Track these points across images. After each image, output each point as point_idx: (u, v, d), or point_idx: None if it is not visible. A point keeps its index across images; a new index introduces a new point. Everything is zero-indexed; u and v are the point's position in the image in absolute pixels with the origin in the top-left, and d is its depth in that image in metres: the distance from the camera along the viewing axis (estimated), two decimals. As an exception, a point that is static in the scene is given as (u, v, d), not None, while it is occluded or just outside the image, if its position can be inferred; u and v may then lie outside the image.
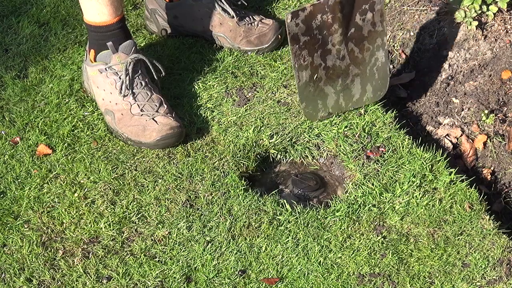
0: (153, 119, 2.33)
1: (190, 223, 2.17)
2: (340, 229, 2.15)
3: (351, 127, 2.41)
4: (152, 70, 2.41)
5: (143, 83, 2.39)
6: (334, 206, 2.20)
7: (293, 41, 2.26)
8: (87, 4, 2.36)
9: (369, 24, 2.35)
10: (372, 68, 2.41)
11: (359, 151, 2.35)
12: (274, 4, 2.93)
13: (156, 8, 2.77)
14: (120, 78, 2.37)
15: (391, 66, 2.78)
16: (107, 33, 2.38)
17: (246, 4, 2.79)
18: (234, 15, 2.70)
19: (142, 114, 2.35)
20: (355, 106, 2.44)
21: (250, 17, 2.72)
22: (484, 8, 2.62)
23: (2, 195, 2.26)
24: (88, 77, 2.46)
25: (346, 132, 2.40)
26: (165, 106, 2.37)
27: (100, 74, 2.40)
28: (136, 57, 2.37)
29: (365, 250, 2.10)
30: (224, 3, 2.70)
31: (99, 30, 2.38)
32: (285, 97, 2.53)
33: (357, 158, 2.33)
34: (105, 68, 2.39)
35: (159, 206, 2.21)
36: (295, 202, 2.22)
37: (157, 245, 2.12)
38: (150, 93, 2.39)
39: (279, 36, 2.69)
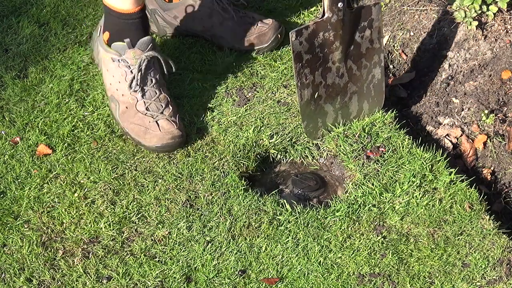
0: (156, 122, 2.33)
1: (190, 223, 2.17)
2: (340, 229, 2.15)
3: (351, 127, 2.41)
4: (164, 67, 2.40)
5: (154, 80, 2.38)
6: (334, 206, 2.20)
7: (297, 59, 2.25)
8: None
9: (367, 41, 2.36)
10: (369, 85, 2.42)
11: (359, 151, 2.35)
12: (274, 4, 2.93)
13: (156, 8, 2.77)
14: (131, 72, 2.36)
15: (391, 66, 2.78)
16: (128, 21, 2.37)
17: (246, 4, 2.79)
18: (234, 15, 2.69)
19: (146, 113, 2.35)
20: (352, 122, 2.45)
21: (250, 17, 2.72)
22: (484, 8, 2.62)
23: (2, 195, 2.26)
24: (99, 56, 2.45)
25: (346, 132, 2.40)
26: (171, 107, 2.37)
27: (112, 62, 2.39)
28: (150, 55, 2.36)
29: (365, 250, 2.10)
30: (224, 2, 2.70)
31: (120, 17, 2.37)
32: (285, 97, 2.53)
33: (357, 158, 2.33)
34: (118, 59, 2.37)
35: (159, 206, 2.21)
36: (295, 202, 2.22)
37: (157, 245, 2.12)
38: (159, 92, 2.38)
39: (279, 36, 2.69)
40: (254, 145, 2.39)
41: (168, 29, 2.77)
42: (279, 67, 2.65)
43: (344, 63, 2.35)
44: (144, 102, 2.36)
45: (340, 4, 2.23)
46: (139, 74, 2.35)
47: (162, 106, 2.36)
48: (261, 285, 2.03)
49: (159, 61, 2.40)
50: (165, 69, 2.40)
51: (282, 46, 2.73)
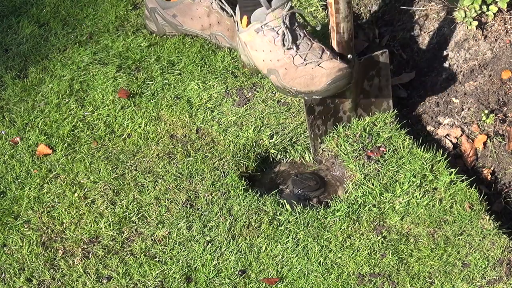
0: (318, 65, 2.26)
1: (190, 223, 2.17)
2: (340, 229, 2.15)
3: (352, 126, 2.41)
4: (307, 21, 2.39)
5: (302, 34, 2.33)
6: (334, 206, 2.20)
7: (309, 112, 2.32)
8: None
9: (376, 89, 2.42)
10: None
11: (359, 151, 2.35)
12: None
13: (156, 7, 2.77)
14: (277, 33, 2.31)
15: (391, 67, 2.78)
16: None
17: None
18: (233, 14, 2.69)
19: (306, 64, 2.28)
20: None
21: None
22: (484, 8, 2.62)
23: (2, 195, 2.26)
24: (243, 46, 2.43)
25: (346, 132, 2.40)
26: (328, 52, 2.29)
27: (256, 35, 2.35)
28: (291, 9, 2.32)
29: (365, 250, 2.10)
30: (223, 1, 2.70)
31: None
32: (285, 97, 2.53)
33: (357, 158, 2.33)
34: (261, 27, 2.33)
35: (159, 206, 2.21)
36: (295, 202, 2.22)
37: (157, 245, 2.12)
38: (311, 43, 2.32)
39: None
40: (254, 145, 2.39)
41: (168, 28, 2.77)
42: (279, 67, 2.65)
43: (355, 112, 2.41)
44: (300, 55, 2.29)
45: (349, 56, 2.30)
46: (287, 30, 2.30)
47: (319, 53, 2.29)
48: (261, 285, 2.03)
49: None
50: (309, 23, 2.38)
51: (282, 46, 2.73)
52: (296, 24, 2.34)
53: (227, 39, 2.70)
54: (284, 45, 2.31)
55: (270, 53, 2.34)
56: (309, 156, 2.41)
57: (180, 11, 2.74)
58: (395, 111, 2.47)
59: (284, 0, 2.32)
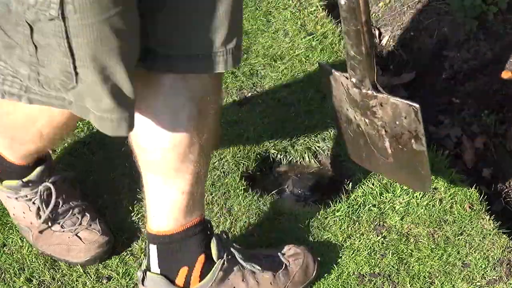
0: (76, 235, 2.06)
1: (190, 223, 2.17)
2: (340, 229, 2.15)
3: (351, 127, 2.41)
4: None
5: (61, 201, 2.07)
6: (334, 206, 2.20)
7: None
8: None
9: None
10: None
11: (359, 151, 2.35)
12: (274, 4, 2.93)
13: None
14: (34, 203, 2.05)
15: (391, 67, 2.78)
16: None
17: None
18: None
19: (63, 231, 2.07)
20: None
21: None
22: (484, 8, 2.62)
23: (2, 195, 2.26)
24: None
25: (346, 132, 2.40)
26: (88, 214, 2.08)
27: (8, 199, 2.08)
28: (48, 185, 2.04)
29: (365, 250, 2.10)
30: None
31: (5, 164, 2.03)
32: (285, 97, 2.53)
33: (357, 158, 2.33)
34: (16, 198, 2.05)
35: (159, 206, 2.21)
36: (295, 202, 2.22)
37: (157, 245, 2.12)
38: (69, 206, 2.08)
39: None
40: (254, 145, 2.38)
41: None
42: (279, 67, 2.65)
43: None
44: (57, 222, 2.07)
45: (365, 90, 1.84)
46: (43, 204, 2.04)
47: (78, 218, 2.07)
48: (261, 285, 2.03)
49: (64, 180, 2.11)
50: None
51: (282, 46, 2.73)
52: (55, 192, 2.04)
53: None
54: (39, 217, 2.06)
55: (23, 214, 2.09)
56: (309, 156, 2.41)
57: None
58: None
59: (42, 172, 2.03)
